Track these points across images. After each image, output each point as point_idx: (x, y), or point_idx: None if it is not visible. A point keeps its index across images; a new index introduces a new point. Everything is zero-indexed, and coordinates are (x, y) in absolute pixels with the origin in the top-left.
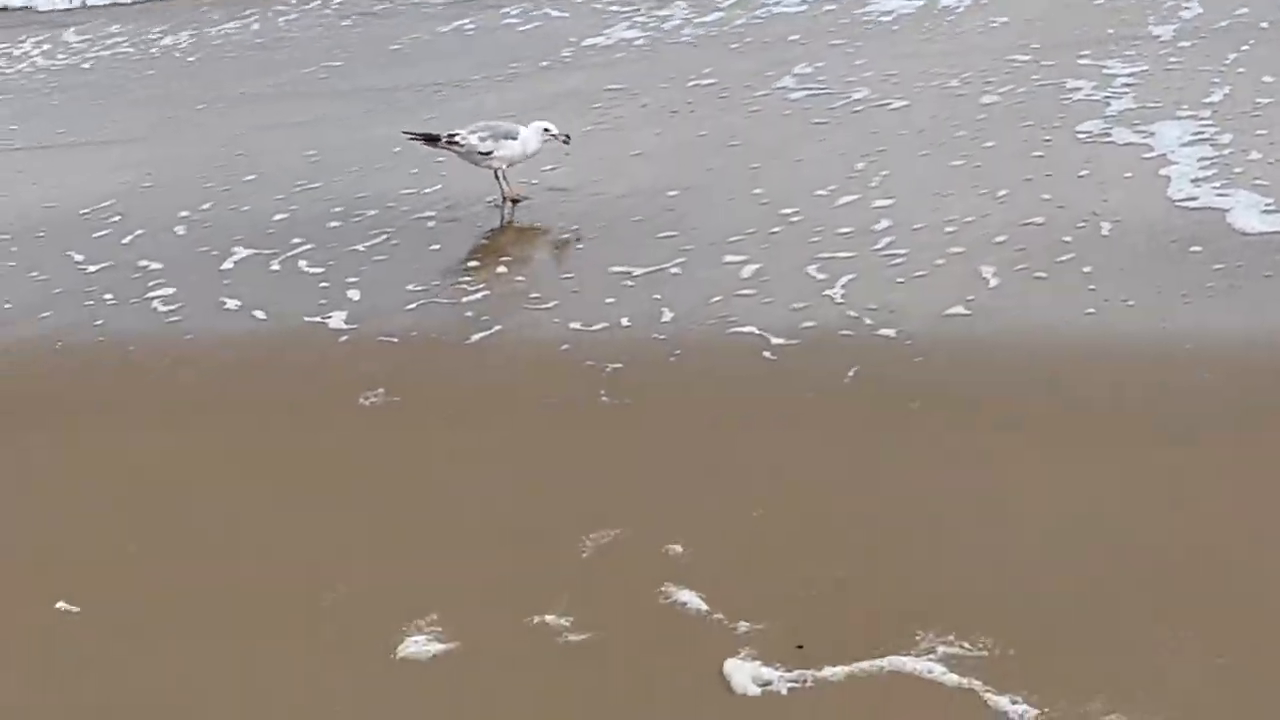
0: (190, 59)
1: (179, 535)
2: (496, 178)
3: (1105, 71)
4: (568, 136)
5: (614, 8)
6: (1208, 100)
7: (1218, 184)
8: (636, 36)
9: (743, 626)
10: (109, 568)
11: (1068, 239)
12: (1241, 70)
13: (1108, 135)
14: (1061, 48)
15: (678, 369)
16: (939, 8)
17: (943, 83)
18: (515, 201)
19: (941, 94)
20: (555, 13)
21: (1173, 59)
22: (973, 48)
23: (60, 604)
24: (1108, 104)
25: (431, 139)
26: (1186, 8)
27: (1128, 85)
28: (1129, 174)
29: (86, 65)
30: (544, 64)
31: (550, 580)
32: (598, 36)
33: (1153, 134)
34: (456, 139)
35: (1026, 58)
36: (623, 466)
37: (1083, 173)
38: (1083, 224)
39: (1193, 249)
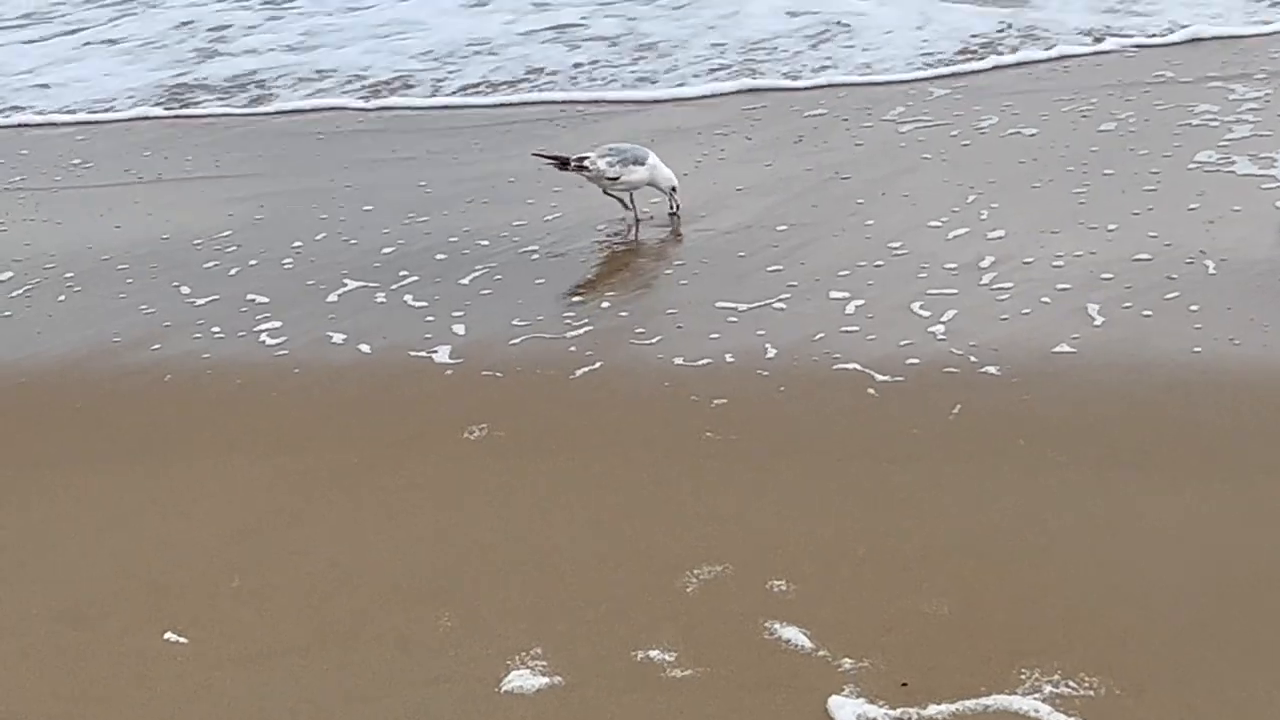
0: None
1: (285, 568)
2: (625, 202)
3: (1230, 97)
4: (678, 207)
5: None
6: None
7: None
8: None
9: (847, 663)
10: (217, 599)
11: (1174, 276)
12: None
13: (1224, 164)
14: (1186, 73)
15: (781, 405)
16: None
17: (1058, 109)
18: (639, 222)
19: (1058, 120)
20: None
21: None
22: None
23: (169, 634)
24: (1229, 130)
25: (563, 162)
26: None
27: (1251, 110)
28: (1238, 207)
29: None
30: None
31: (654, 615)
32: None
33: (1273, 162)
34: (586, 163)
35: (1150, 81)
36: (726, 502)
37: (1193, 205)
38: (1190, 260)
39: None
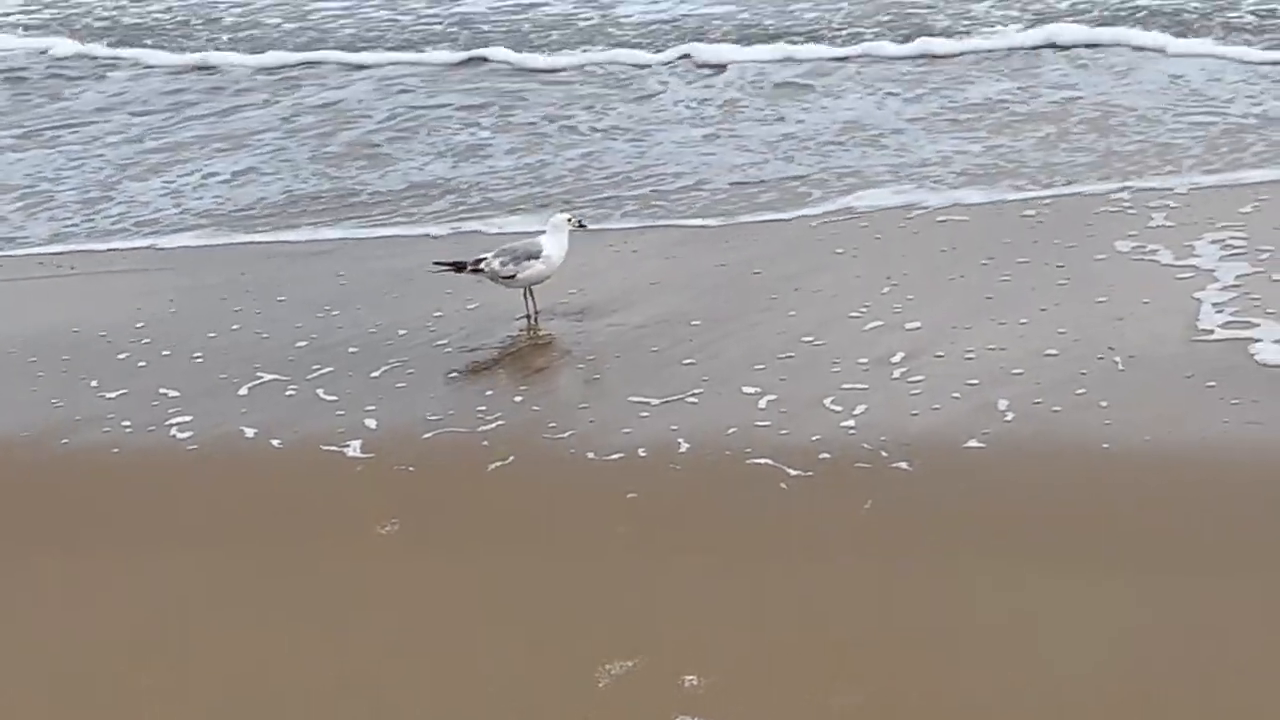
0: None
1: (194, 665)
2: (524, 296)
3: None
4: (581, 222)
5: None
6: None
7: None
8: None
9: None
10: (122, 697)
11: (1084, 371)
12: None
13: (1138, 254)
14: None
15: (694, 499)
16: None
17: (979, 196)
18: (538, 314)
19: (976, 209)
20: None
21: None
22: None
23: None
24: (1149, 217)
25: (459, 266)
26: None
27: (1172, 197)
28: (1148, 300)
29: None
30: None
31: (567, 711)
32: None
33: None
34: (481, 265)
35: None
36: (639, 596)
37: (1102, 299)
38: (1100, 356)
39: (1209, 384)
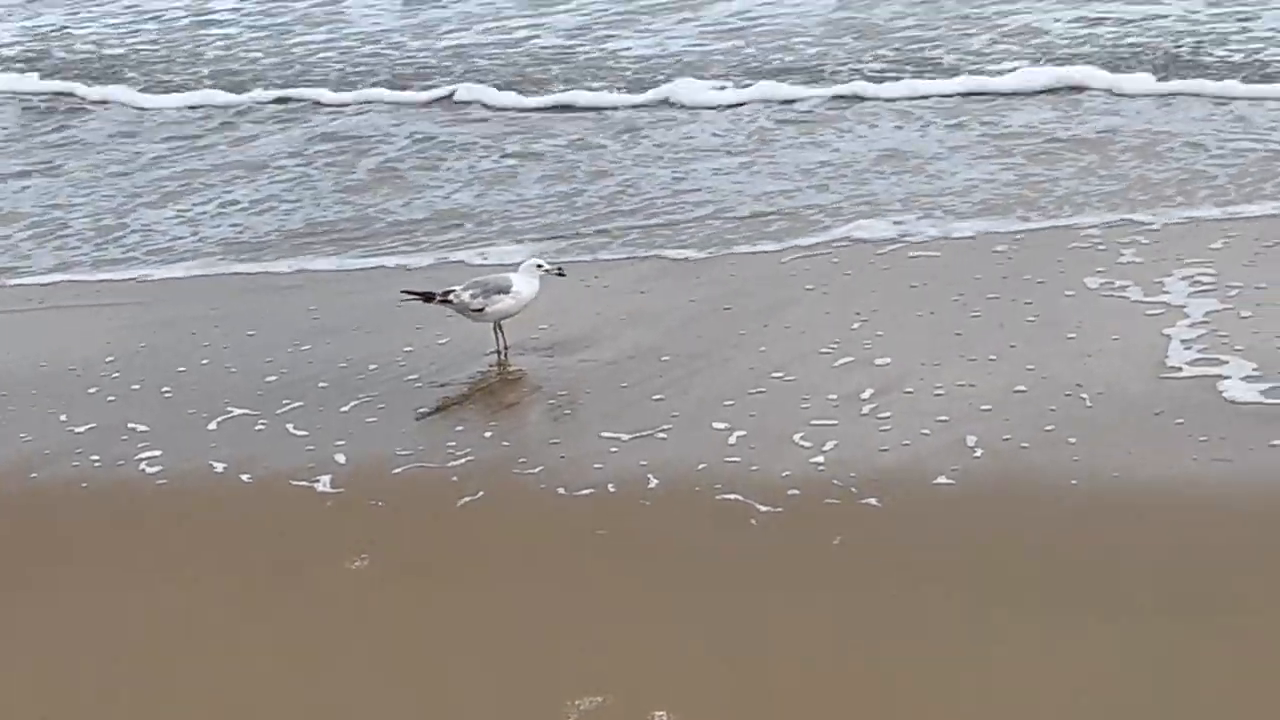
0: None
1: (167, 700)
2: (493, 331)
3: (1114, 223)
4: (560, 269)
5: None
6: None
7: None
8: None
9: None
10: None
11: (1053, 408)
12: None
13: (1107, 291)
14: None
15: (664, 536)
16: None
17: (948, 231)
18: (507, 349)
19: (947, 244)
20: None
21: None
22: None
23: None
24: (1119, 253)
25: (428, 297)
26: None
27: (1144, 236)
28: (1117, 337)
29: None
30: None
31: None
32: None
33: (1158, 288)
34: (450, 296)
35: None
36: (608, 632)
37: (1071, 335)
38: (1068, 393)
39: (1178, 420)
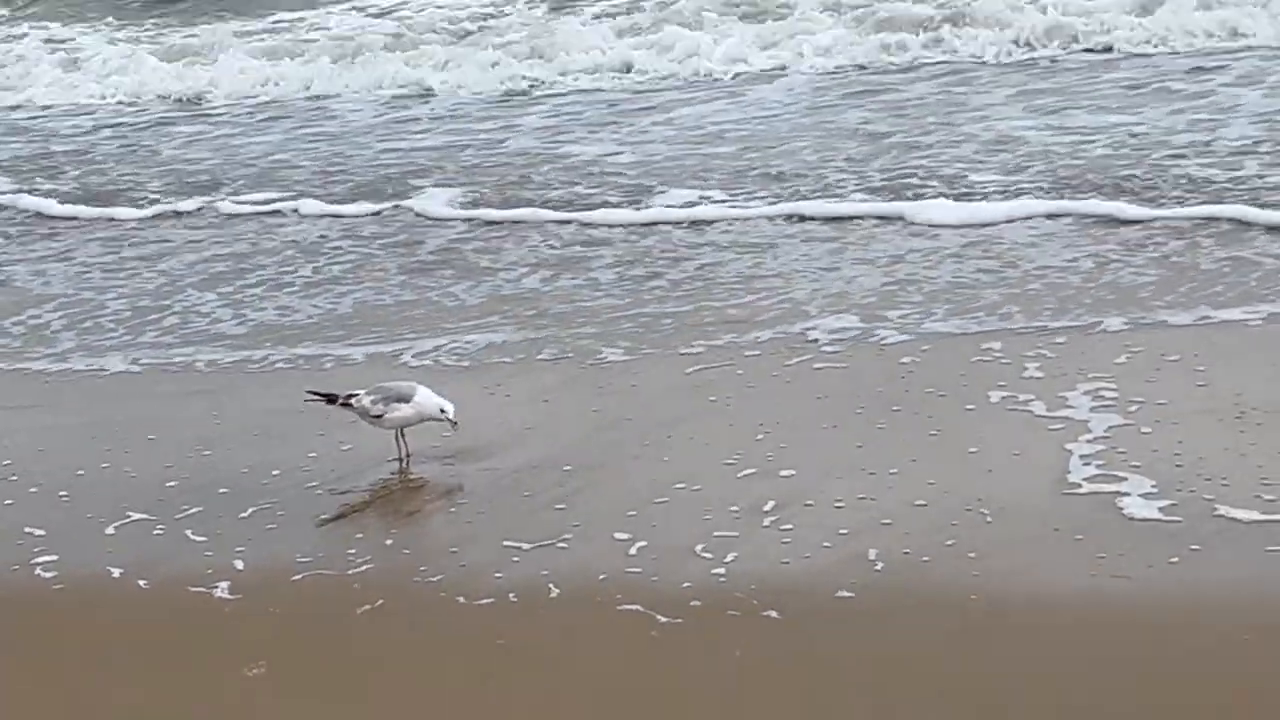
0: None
1: None
2: (395, 438)
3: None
4: (455, 424)
5: None
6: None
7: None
8: None
9: None
10: None
11: (954, 522)
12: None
13: (1012, 405)
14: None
15: (564, 646)
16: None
17: (860, 341)
18: (409, 457)
19: (860, 353)
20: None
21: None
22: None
23: None
24: (1023, 367)
25: (330, 398)
26: None
27: (1047, 345)
28: (1018, 451)
29: None
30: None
31: None
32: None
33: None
34: (352, 400)
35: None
36: None
37: (974, 449)
38: (969, 508)
39: (1077, 536)
